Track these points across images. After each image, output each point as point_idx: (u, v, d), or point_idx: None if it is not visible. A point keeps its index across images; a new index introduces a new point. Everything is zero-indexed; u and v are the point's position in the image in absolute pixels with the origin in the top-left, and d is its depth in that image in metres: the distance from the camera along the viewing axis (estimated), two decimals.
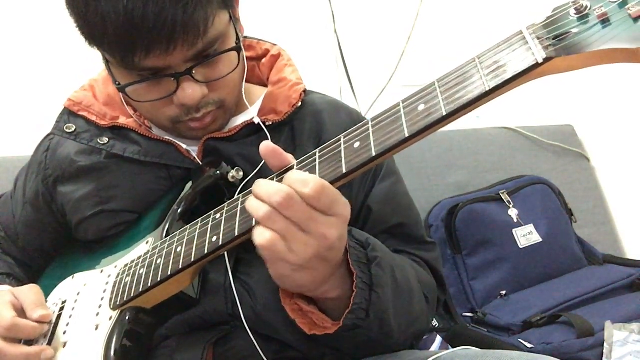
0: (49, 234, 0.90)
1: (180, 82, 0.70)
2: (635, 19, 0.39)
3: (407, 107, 0.50)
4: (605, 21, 0.41)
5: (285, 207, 0.51)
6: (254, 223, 0.56)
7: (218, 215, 0.63)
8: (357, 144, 0.52)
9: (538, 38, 0.44)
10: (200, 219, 0.66)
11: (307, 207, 0.52)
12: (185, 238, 0.66)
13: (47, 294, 0.84)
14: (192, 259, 0.63)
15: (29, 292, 0.74)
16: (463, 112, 0.47)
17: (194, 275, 0.68)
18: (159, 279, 0.66)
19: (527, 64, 0.44)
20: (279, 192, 0.52)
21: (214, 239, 0.61)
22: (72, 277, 0.83)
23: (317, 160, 0.55)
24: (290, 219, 0.52)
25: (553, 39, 0.43)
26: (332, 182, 0.53)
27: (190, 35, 0.65)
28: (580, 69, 0.44)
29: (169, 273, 0.65)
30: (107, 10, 0.63)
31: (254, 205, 0.54)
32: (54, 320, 0.78)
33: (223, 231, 0.60)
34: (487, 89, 0.45)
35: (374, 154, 0.51)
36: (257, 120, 0.79)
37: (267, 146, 0.57)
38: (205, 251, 0.61)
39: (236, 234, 0.58)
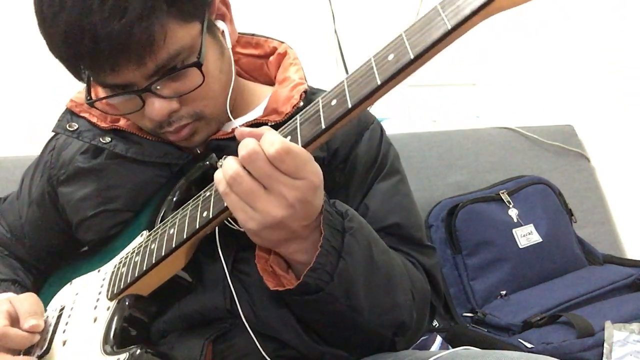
0: (56, 233, 0.90)
1: (145, 98, 0.69)
2: None
3: (377, 59, 0.53)
4: None
5: (248, 161, 0.54)
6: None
7: (207, 193, 0.64)
8: (334, 102, 0.55)
9: None
10: (190, 200, 0.67)
11: (269, 165, 0.54)
12: (177, 220, 0.67)
13: (47, 303, 0.84)
14: (185, 236, 0.64)
15: (25, 302, 0.74)
16: (429, 53, 0.49)
17: (188, 255, 0.68)
18: (153, 261, 0.67)
19: None
20: (246, 146, 0.55)
21: (205, 213, 0.62)
22: (70, 284, 0.84)
23: (298, 123, 0.58)
24: (253, 175, 0.55)
25: None
26: (314, 139, 0.56)
27: (133, 54, 0.63)
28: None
29: (163, 253, 0.66)
30: (50, 32, 0.64)
31: (227, 163, 0.57)
32: (53, 323, 0.78)
33: (212, 205, 0.62)
34: (449, 27, 0.47)
35: (349, 105, 0.53)
36: (238, 132, 0.73)
37: (241, 132, 0.59)
38: (197, 226, 0.62)
39: (225, 204, 0.59)
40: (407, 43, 0.50)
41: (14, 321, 0.72)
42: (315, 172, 0.56)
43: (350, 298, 0.63)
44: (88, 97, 0.72)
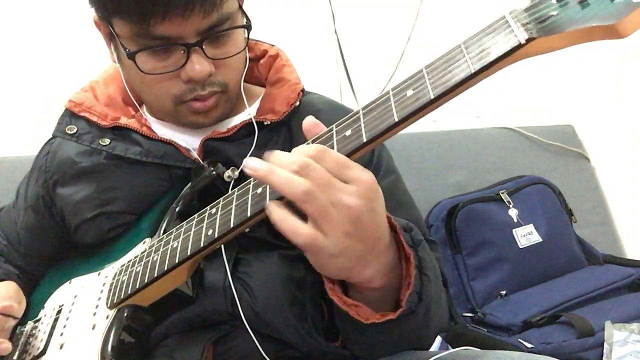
0: (51, 239, 0.90)
1: (191, 53, 0.71)
2: None
3: (396, 94, 0.51)
4: (583, 1, 0.43)
5: (319, 156, 0.50)
6: (249, 214, 0.56)
7: (214, 210, 0.63)
8: (348, 132, 0.53)
9: (520, 22, 0.45)
10: (196, 215, 0.66)
11: (324, 170, 0.50)
12: (182, 234, 0.66)
13: (45, 300, 0.84)
14: (189, 253, 0.63)
15: (2, 288, 0.79)
16: (450, 94, 0.48)
17: (190, 270, 0.68)
18: (155, 275, 0.66)
19: (510, 45, 0.45)
20: (308, 147, 0.51)
21: (210, 232, 0.61)
22: (69, 282, 0.84)
23: None
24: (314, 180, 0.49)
25: (534, 22, 0.44)
26: None
27: (207, 4, 0.68)
28: (563, 48, 0.45)
29: (166, 268, 0.65)
30: None
31: (293, 180, 0.49)
32: (50, 323, 0.78)
33: (219, 224, 0.61)
34: (473, 71, 0.46)
35: (364, 140, 0.52)
36: (252, 116, 0.79)
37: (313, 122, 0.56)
38: (201, 244, 0.62)
39: (231, 225, 0.58)
40: (428, 82, 0.49)
41: None
42: (362, 172, 0.52)
43: (427, 314, 0.60)
44: (127, 50, 0.72)
